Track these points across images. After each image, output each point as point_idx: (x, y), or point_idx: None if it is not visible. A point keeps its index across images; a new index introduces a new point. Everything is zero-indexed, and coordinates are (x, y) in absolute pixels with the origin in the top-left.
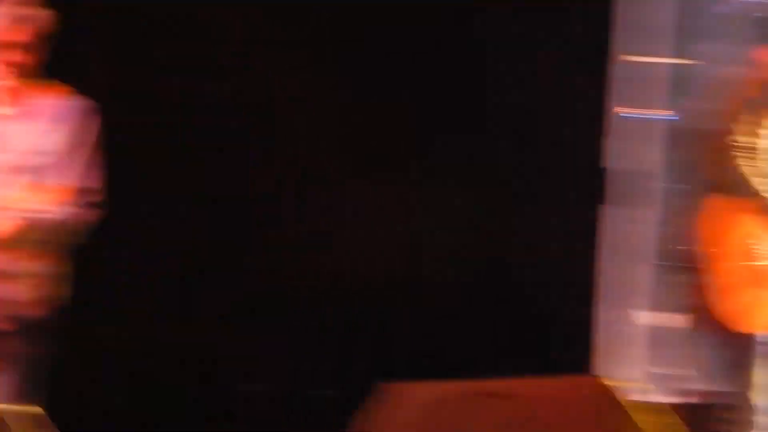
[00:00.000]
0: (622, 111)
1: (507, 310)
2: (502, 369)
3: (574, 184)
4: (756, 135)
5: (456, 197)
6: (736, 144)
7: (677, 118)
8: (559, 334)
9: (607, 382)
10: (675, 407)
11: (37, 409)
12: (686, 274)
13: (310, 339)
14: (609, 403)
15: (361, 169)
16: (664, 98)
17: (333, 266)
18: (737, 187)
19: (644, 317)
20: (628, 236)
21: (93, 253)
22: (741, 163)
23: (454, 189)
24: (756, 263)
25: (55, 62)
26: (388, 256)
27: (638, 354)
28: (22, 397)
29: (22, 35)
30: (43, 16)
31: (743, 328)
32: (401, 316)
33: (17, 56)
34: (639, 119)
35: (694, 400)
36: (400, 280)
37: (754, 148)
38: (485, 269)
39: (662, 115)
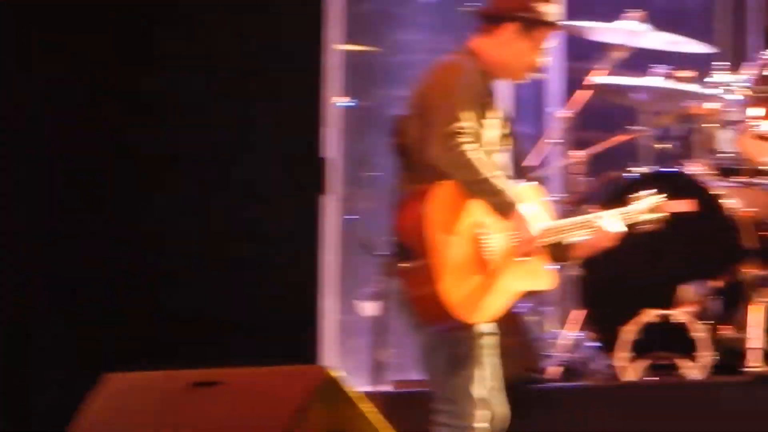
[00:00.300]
0: (337, 100)
1: (231, 301)
2: (228, 360)
3: (293, 174)
4: (480, 124)
5: (174, 189)
6: (461, 131)
7: (390, 105)
8: (283, 324)
9: (330, 372)
10: (377, 396)
11: None
12: (410, 262)
13: (40, 326)
14: (332, 392)
15: None
16: (374, 87)
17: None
18: (457, 174)
19: (366, 308)
20: (349, 226)
21: None
22: (468, 151)
23: (172, 181)
24: (483, 252)
25: None
26: (107, 253)
27: (361, 343)
28: None
29: None
30: None
31: (467, 318)
32: (128, 309)
33: None
34: (353, 108)
35: (399, 389)
36: (127, 271)
37: (479, 137)
38: (209, 260)
39: (372, 104)
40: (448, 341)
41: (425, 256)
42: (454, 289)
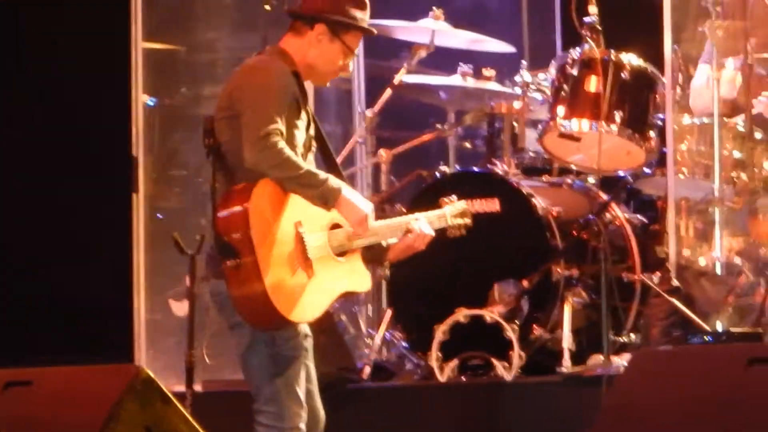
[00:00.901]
0: (146, 98)
1: (44, 299)
2: (42, 360)
3: (104, 172)
4: (293, 125)
5: None
6: (275, 132)
7: (193, 104)
8: (98, 323)
9: (142, 371)
10: (186, 396)
11: None
12: (233, 262)
13: None
14: (145, 391)
15: None
16: (177, 85)
17: None
18: (271, 173)
19: (177, 307)
20: (162, 225)
21: None
22: (284, 148)
23: None
24: (305, 251)
25: None
26: None
27: (172, 342)
28: None
29: None
30: None
31: (291, 318)
32: None
33: None
34: (153, 106)
35: (207, 389)
36: None
37: (292, 137)
38: (21, 259)
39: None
40: (272, 341)
41: (248, 255)
42: (277, 289)
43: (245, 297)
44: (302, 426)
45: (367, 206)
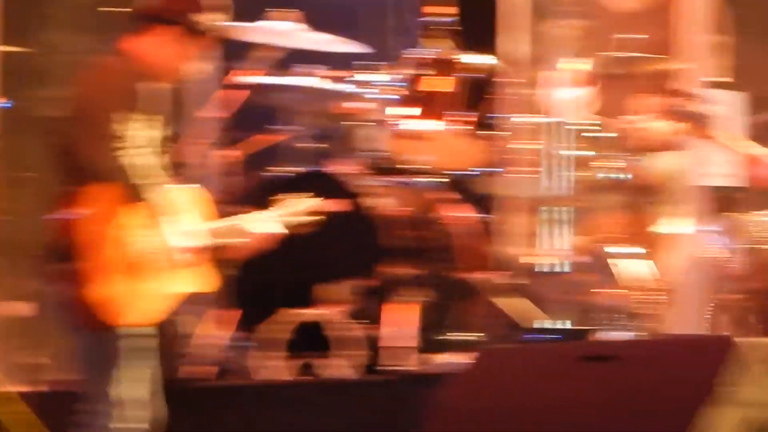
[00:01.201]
0: None
1: None
2: None
3: None
4: (135, 127)
5: None
6: (115, 135)
7: (43, 106)
8: None
9: None
10: (31, 396)
11: None
12: (66, 264)
13: None
14: None
15: None
16: (28, 87)
17: None
18: (115, 176)
19: (20, 308)
20: (7, 227)
21: None
22: (118, 152)
23: None
24: (129, 254)
25: None
26: None
27: (15, 344)
28: None
29: None
30: None
31: (119, 320)
32: None
33: None
34: (7, 108)
35: (53, 389)
36: None
37: (133, 140)
38: None
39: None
40: (98, 343)
41: (84, 258)
42: (113, 292)
43: (76, 300)
44: (135, 426)
45: (196, 209)
